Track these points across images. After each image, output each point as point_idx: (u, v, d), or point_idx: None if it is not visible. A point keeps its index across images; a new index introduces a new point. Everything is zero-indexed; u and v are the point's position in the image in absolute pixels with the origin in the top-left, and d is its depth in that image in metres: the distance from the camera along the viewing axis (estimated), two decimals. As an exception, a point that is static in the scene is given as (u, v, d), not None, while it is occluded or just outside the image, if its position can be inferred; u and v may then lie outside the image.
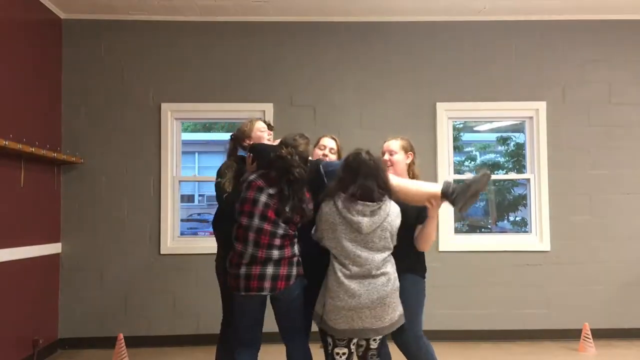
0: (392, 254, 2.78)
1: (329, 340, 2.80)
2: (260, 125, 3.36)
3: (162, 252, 5.17)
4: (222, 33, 5.32)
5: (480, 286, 5.25)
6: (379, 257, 2.71)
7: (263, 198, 2.84)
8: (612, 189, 5.33)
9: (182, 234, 5.39)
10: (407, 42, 5.40)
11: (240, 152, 3.39)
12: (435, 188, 2.89)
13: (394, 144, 3.17)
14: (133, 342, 4.88)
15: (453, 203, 2.82)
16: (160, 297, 5.14)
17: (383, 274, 2.71)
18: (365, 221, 2.67)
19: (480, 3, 5.10)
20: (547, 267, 5.28)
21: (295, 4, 5.06)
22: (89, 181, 5.16)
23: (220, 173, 3.27)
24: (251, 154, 3.15)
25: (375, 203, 2.69)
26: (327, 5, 5.09)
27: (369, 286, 2.67)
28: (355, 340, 2.79)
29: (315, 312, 2.82)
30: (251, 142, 3.28)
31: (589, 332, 4.88)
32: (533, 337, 5.23)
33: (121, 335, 4.60)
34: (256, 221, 2.83)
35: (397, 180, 2.94)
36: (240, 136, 3.36)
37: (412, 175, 3.19)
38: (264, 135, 3.34)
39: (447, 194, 2.84)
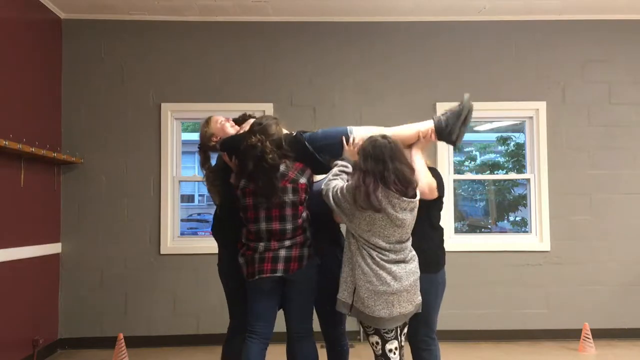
0: None
1: (377, 339, 2.72)
2: (216, 117, 3.24)
3: (162, 252, 5.17)
4: (222, 33, 5.32)
5: (480, 286, 5.25)
6: (409, 243, 2.73)
7: (263, 201, 2.81)
8: (612, 189, 5.33)
9: (182, 234, 5.39)
10: (407, 42, 5.40)
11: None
12: (427, 124, 2.96)
13: None
14: (133, 342, 4.88)
15: (449, 135, 2.91)
16: (160, 297, 5.14)
17: (412, 258, 2.72)
18: (408, 217, 2.65)
19: (480, 3, 5.10)
20: (547, 267, 5.28)
21: (295, 4, 5.06)
22: (89, 181, 5.16)
23: (207, 189, 3.19)
24: (224, 152, 3.04)
25: (415, 197, 2.65)
26: (327, 5, 5.09)
27: (406, 268, 2.66)
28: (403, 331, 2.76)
29: (341, 301, 2.71)
30: (218, 139, 3.13)
31: (589, 332, 4.88)
32: (533, 337, 5.23)
33: (121, 335, 4.60)
34: (263, 225, 2.83)
35: (388, 130, 2.95)
36: (204, 141, 3.20)
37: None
38: (226, 125, 3.18)
39: (441, 129, 2.90)
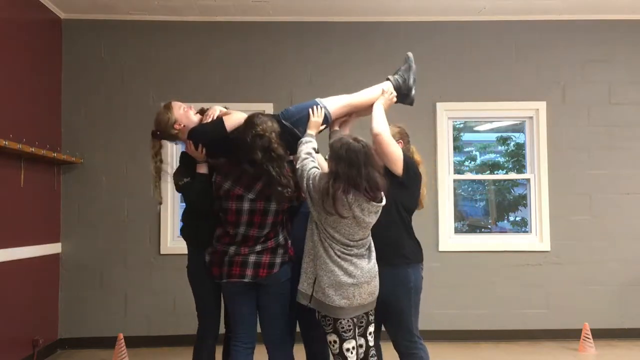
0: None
1: (335, 338, 2.70)
2: (178, 103, 3.02)
3: (162, 252, 5.17)
4: (222, 33, 5.32)
5: (480, 286, 5.25)
6: (369, 238, 2.75)
7: (246, 206, 2.77)
8: (612, 189, 5.33)
9: (182, 234, 5.38)
10: (407, 42, 5.38)
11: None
12: (385, 85, 3.14)
13: None
14: (133, 342, 4.88)
15: (407, 92, 3.12)
16: (160, 297, 5.14)
17: (372, 250, 2.75)
18: (373, 220, 2.67)
19: (480, 3, 5.10)
20: (547, 267, 5.28)
21: (295, 4, 5.06)
22: (89, 181, 5.16)
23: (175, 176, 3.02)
24: (190, 141, 2.90)
25: (382, 201, 2.66)
26: (327, 5, 5.09)
27: (367, 261, 2.70)
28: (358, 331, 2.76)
29: (302, 292, 2.71)
30: (182, 126, 2.95)
31: (589, 332, 4.88)
32: (533, 337, 5.23)
33: (121, 335, 4.60)
34: (242, 229, 2.79)
35: (346, 98, 3.06)
36: (166, 128, 2.97)
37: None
38: (189, 112, 3.00)
39: (399, 86, 3.10)
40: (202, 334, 3.06)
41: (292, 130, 2.89)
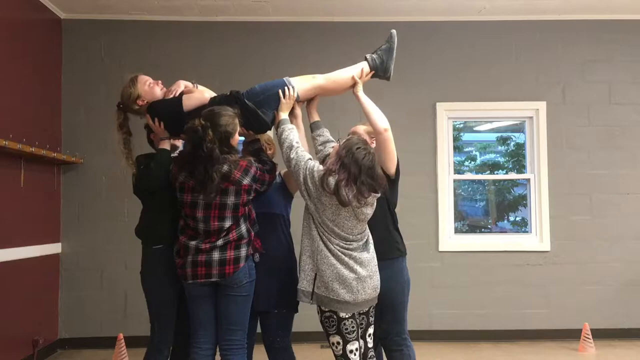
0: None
1: (338, 339, 2.67)
2: (144, 77, 2.97)
3: (162, 252, 5.16)
4: (222, 33, 5.32)
5: (480, 286, 5.25)
6: (367, 231, 2.75)
7: (201, 199, 2.68)
8: (612, 189, 5.33)
9: (182, 234, 5.37)
10: (407, 42, 5.37)
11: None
12: (360, 66, 3.04)
13: (360, 128, 3.12)
14: (133, 342, 4.87)
15: (385, 72, 3.06)
16: (160, 297, 5.14)
17: (371, 243, 2.74)
18: (370, 212, 2.68)
19: (480, 3, 5.10)
20: (547, 267, 5.28)
21: (295, 4, 5.06)
22: (89, 181, 5.16)
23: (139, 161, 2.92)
24: (149, 115, 2.85)
25: (377, 192, 2.66)
26: (327, 5, 5.09)
27: (368, 255, 2.69)
28: (362, 332, 2.75)
29: (302, 290, 2.68)
30: (144, 102, 2.92)
31: (589, 332, 4.88)
32: (533, 337, 5.23)
33: (121, 335, 4.60)
34: (201, 225, 2.69)
35: (324, 76, 3.01)
36: (128, 103, 2.94)
37: None
38: (155, 88, 2.95)
39: (376, 67, 3.04)
40: (159, 345, 2.96)
41: (254, 110, 2.82)
